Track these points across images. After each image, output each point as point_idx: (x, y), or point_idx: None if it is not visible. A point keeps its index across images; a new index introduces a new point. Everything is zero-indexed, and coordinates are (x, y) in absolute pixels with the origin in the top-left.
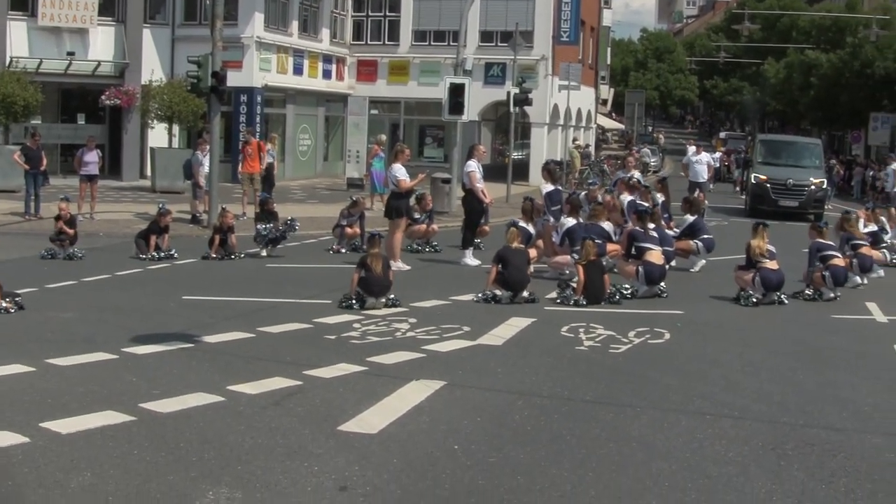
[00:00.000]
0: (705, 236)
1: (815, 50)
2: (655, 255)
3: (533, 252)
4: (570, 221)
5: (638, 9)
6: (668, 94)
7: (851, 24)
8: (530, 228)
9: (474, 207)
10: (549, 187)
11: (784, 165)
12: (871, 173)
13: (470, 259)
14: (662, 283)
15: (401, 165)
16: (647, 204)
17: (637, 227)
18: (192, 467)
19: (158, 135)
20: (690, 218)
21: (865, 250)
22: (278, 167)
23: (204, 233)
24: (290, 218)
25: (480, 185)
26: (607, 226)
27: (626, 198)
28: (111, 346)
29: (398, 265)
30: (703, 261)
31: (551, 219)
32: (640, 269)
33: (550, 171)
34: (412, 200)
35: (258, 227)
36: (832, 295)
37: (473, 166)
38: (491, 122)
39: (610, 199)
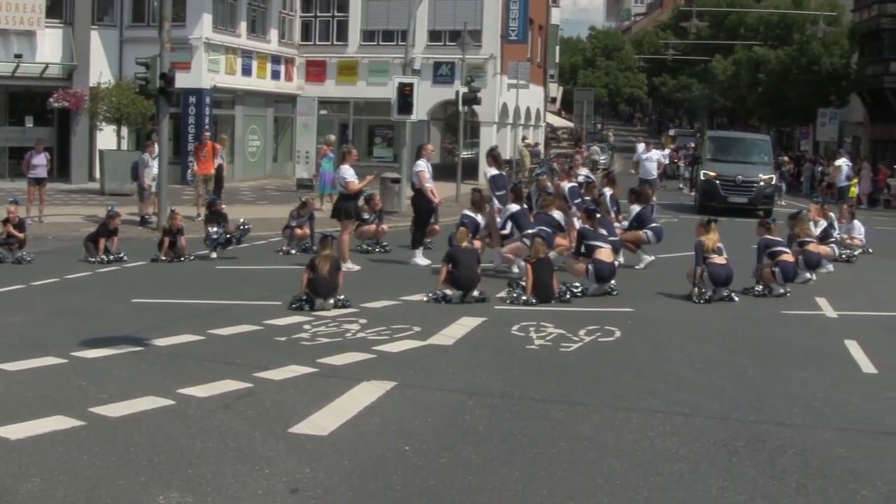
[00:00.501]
0: (653, 225)
1: (762, 47)
2: (605, 253)
3: (478, 243)
4: (513, 207)
5: (586, 7)
6: (617, 92)
7: (798, 20)
8: (479, 219)
9: (423, 207)
10: (493, 171)
11: (733, 162)
12: (821, 169)
13: (420, 259)
14: (612, 281)
15: (349, 167)
16: (590, 197)
17: (586, 226)
18: (143, 472)
19: (107, 137)
20: (637, 208)
21: (812, 247)
22: (227, 168)
23: (153, 235)
24: (242, 221)
25: (430, 184)
26: (557, 215)
27: (567, 184)
28: (61, 351)
29: (348, 266)
30: (651, 257)
31: (496, 202)
32: (590, 267)
33: (495, 156)
34: (361, 201)
35: (209, 229)
36: (782, 291)
37: (422, 166)
38: (440, 122)
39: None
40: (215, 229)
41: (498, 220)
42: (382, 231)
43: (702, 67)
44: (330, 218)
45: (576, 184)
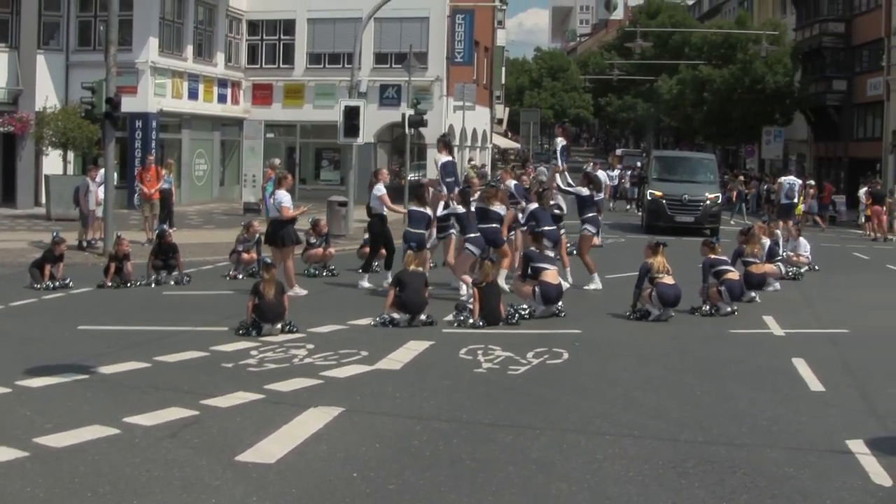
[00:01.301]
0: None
1: (707, 66)
2: (551, 275)
3: (428, 254)
4: (459, 209)
5: (532, 28)
6: (563, 112)
7: (742, 40)
8: (428, 212)
9: (378, 231)
10: (444, 158)
11: (679, 181)
12: (766, 187)
13: (366, 283)
14: (560, 303)
15: (285, 192)
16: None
17: (532, 248)
18: (87, 502)
19: (53, 162)
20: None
21: (755, 268)
22: (175, 192)
23: (99, 261)
24: (185, 275)
25: (396, 206)
26: (500, 209)
27: (512, 182)
28: (4, 379)
29: (295, 291)
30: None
31: (444, 188)
32: (537, 289)
33: (446, 142)
34: (308, 225)
35: (154, 262)
36: (729, 309)
37: (383, 189)
38: (387, 144)
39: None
40: (158, 273)
41: (440, 208)
42: (329, 255)
43: (647, 87)
44: (265, 244)
45: (517, 182)
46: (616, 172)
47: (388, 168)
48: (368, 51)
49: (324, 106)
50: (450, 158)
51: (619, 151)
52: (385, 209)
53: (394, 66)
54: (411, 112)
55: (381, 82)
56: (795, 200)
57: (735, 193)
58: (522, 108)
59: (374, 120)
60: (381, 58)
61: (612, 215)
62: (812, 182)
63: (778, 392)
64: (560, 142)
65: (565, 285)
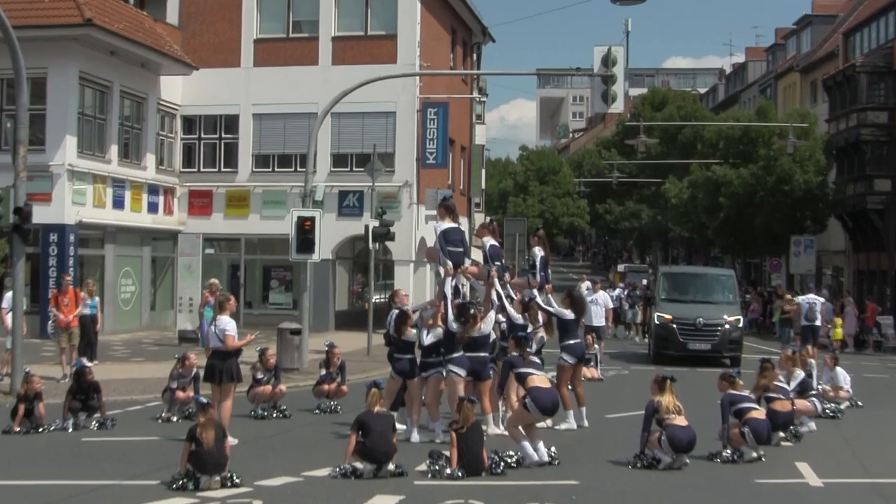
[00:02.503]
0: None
1: (722, 165)
2: (540, 380)
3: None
4: (453, 326)
5: (516, 123)
6: (553, 222)
7: (764, 133)
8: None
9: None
10: (445, 224)
11: (692, 302)
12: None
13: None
14: (553, 449)
15: (229, 318)
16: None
17: (514, 354)
18: None
19: None
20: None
21: (779, 404)
22: (98, 319)
23: (6, 401)
24: (109, 418)
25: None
26: (486, 328)
27: (489, 240)
28: None
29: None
30: (572, 424)
31: (448, 263)
32: (527, 399)
33: (449, 207)
34: (254, 355)
35: (72, 403)
36: (755, 454)
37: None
38: (347, 261)
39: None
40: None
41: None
42: (280, 393)
43: (652, 191)
44: (203, 381)
45: (497, 244)
46: (617, 292)
47: (348, 289)
48: (325, 151)
49: (273, 216)
50: (453, 225)
51: (621, 267)
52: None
53: (355, 169)
54: (375, 223)
55: (341, 188)
56: (818, 323)
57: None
58: (506, 218)
59: (332, 232)
60: (339, 160)
61: (615, 344)
62: (849, 300)
63: None
64: (538, 252)
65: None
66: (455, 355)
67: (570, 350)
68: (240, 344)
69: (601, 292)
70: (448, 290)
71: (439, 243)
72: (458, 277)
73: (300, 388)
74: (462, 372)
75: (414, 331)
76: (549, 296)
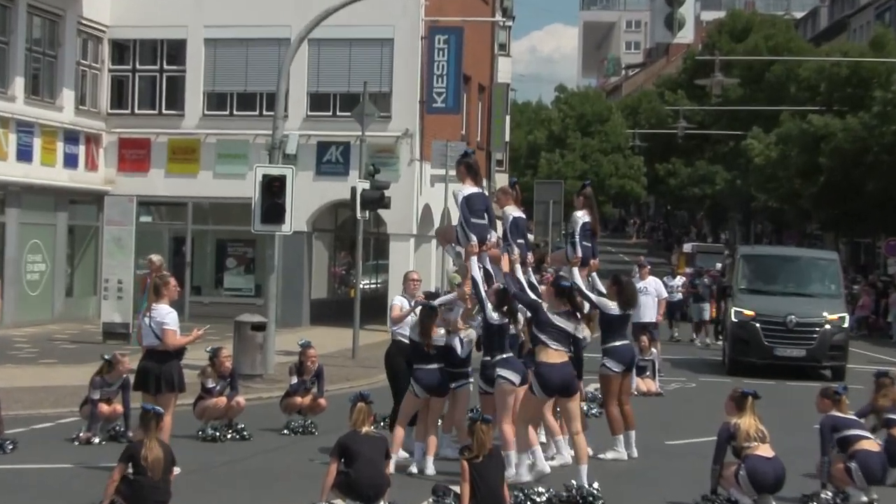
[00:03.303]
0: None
1: (824, 113)
2: (556, 355)
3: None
4: (494, 317)
5: (550, 55)
6: (599, 186)
7: (881, 72)
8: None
9: (398, 368)
10: (468, 189)
11: (781, 294)
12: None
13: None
14: (596, 486)
15: (168, 307)
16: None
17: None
18: None
19: None
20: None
21: None
22: None
23: None
24: (8, 440)
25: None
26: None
27: (513, 211)
28: None
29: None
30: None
31: (467, 237)
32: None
33: (470, 165)
34: (204, 357)
35: None
36: (864, 498)
37: (397, 301)
38: (328, 234)
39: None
40: None
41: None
42: (237, 407)
43: (730, 147)
44: (134, 389)
45: (523, 215)
46: (679, 281)
47: (328, 272)
48: (300, 90)
49: (230, 174)
50: (477, 190)
51: (688, 247)
52: None
53: (339, 113)
54: (365, 185)
55: (320, 138)
56: None
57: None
58: (537, 180)
59: (308, 197)
60: (319, 101)
61: (676, 348)
62: None
63: None
64: (581, 217)
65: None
66: (504, 356)
67: (615, 355)
68: (183, 341)
69: (651, 278)
70: (477, 273)
71: (462, 214)
72: (484, 257)
73: (264, 402)
74: (516, 378)
75: (442, 331)
76: (595, 275)
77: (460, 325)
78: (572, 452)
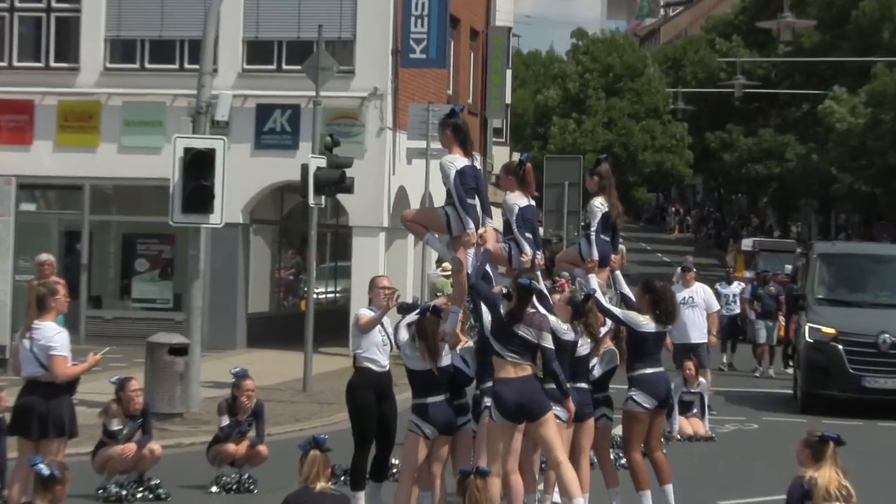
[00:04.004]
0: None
1: None
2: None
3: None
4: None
5: None
6: (629, 162)
7: None
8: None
9: (362, 405)
10: (459, 160)
11: (871, 305)
12: None
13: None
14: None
15: (55, 325)
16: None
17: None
18: None
19: None
20: None
21: None
22: None
23: None
24: None
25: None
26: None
27: (518, 198)
28: None
29: None
30: None
31: (465, 222)
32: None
33: (457, 127)
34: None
35: None
36: None
37: (366, 314)
38: (271, 228)
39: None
40: None
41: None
42: (150, 456)
43: (804, 111)
44: (9, 433)
45: (531, 203)
46: (736, 288)
47: (271, 277)
48: (233, 36)
49: (140, 148)
50: (468, 162)
51: (747, 243)
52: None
53: (285, 67)
54: (321, 162)
55: (261, 100)
56: None
57: None
58: (548, 156)
59: (244, 178)
60: (259, 51)
61: (731, 376)
62: None
63: None
64: (599, 206)
65: None
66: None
67: (644, 385)
68: (76, 370)
69: (698, 285)
70: (470, 264)
71: (456, 192)
72: (481, 251)
73: (186, 449)
74: (565, 416)
75: (447, 351)
76: (618, 275)
77: (461, 339)
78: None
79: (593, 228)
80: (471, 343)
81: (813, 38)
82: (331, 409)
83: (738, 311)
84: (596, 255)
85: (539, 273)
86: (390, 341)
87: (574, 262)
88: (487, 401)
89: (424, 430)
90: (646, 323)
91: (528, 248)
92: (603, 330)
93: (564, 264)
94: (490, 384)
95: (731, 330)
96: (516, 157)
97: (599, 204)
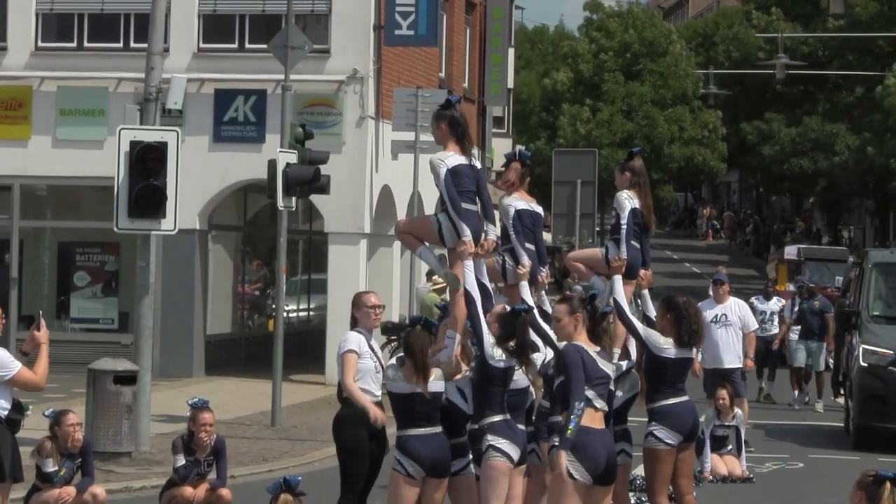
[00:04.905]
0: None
1: None
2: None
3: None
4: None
5: None
6: (653, 156)
7: None
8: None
9: (353, 441)
10: (453, 158)
11: None
12: None
13: None
14: None
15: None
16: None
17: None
18: None
19: None
20: None
21: None
22: None
23: None
24: None
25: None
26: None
27: (517, 202)
28: None
29: None
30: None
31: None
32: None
33: (453, 120)
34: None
35: None
36: None
37: (353, 343)
38: (233, 234)
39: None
40: None
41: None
42: (94, 502)
43: (859, 96)
44: None
45: (540, 210)
46: (777, 304)
47: (233, 291)
48: (187, 10)
49: (79, 141)
50: (464, 160)
51: (791, 251)
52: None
53: (248, 46)
54: (291, 158)
55: (220, 85)
56: None
57: None
58: (557, 149)
59: (202, 176)
60: (217, 27)
61: (773, 409)
62: None
63: None
64: (628, 201)
65: None
66: (497, 418)
67: (667, 418)
68: (44, 366)
69: (733, 300)
70: (473, 285)
71: (448, 195)
72: (480, 265)
73: (135, 494)
74: (513, 452)
75: (439, 373)
76: (646, 294)
77: (458, 372)
78: None
79: (624, 222)
80: (469, 373)
81: (870, 9)
82: (304, 447)
83: (775, 331)
84: (625, 254)
85: (543, 292)
86: (382, 367)
87: (593, 264)
88: (489, 439)
89: (407, 469)
90: (667, 347)
91: (525, 259)
92: (624, 364)
93: (579, 266)
94: (490, 419)
95: (766, 354)
96: (517, 150)
97: (628, 196)
